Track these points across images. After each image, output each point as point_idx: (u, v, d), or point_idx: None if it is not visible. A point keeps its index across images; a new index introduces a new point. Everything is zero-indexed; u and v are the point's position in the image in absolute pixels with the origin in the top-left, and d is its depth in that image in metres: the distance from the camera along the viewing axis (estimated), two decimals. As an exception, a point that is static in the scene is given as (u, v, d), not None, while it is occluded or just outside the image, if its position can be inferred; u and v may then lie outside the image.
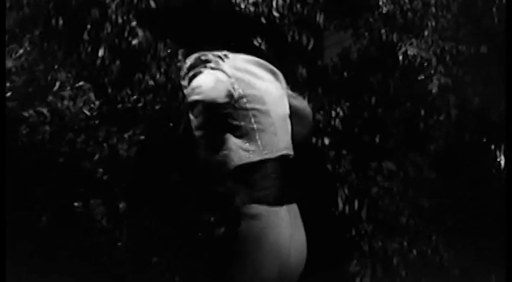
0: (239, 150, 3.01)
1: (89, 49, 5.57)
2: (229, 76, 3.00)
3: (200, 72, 3.04)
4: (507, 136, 4.62)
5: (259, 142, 3.02)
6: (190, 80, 3.02)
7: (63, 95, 4.57)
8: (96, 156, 4.58)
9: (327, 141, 6.06)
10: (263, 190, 3.03)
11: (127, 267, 4.65)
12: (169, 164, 4.45)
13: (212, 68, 3.03)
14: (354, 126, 6.19)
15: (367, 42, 6.26)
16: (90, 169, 4.50)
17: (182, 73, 3.05)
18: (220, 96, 3.00)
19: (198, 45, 3.18)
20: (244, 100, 3.00)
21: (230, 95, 2.97)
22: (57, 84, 4.59)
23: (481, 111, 6.11)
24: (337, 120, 6.03)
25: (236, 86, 3.01)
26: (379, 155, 6.13)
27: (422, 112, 6.14)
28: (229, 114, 2.99)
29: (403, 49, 6.01)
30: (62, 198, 4.76)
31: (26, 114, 4.33)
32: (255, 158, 2.98)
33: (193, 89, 2.98)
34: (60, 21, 5.64)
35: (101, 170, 4.54)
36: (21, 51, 5.16)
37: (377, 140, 6.13)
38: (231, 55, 3.11)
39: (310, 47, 6.00)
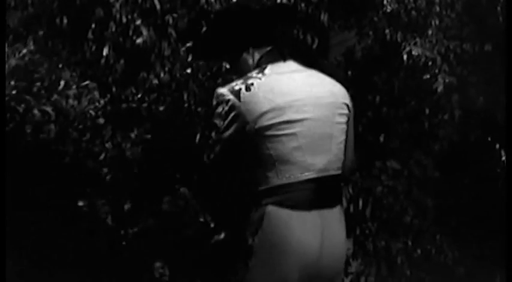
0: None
1: (94, 48, 5.57)
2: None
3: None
4: (507, 136, 4.61)
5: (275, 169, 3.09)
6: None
7: (68, 94, 4.56)
8: (102, 156, 4.58)
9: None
10: (285, 194, 3.05)
11: (131, 266, 4.66)
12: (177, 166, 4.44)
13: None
14: (358, 125, 6.18)
15: (371, 41, 6.26)
16: (95, 168, 4.49)
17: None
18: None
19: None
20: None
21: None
22: (62, 83, 4.58)
23: (486, 110, 6.11)
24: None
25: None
26: (383, 154, 6.13)
27: (427, 111, 6.13)
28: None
29: (408, 48, 6.00)
30: (66, 197, 4.76)
31: (30, 113, 4.33)
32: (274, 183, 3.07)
33: None
34: (65, 20, 5.64)
35: (105, 169, 4.54)
36: (24, 50, 5.16)
37: (381, 139, 6.13)
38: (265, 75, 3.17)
39: (314, 46, 6.00)
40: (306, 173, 3.05)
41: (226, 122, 3.10)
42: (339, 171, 3.20)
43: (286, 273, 2.99)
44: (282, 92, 3.11)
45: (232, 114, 3.10)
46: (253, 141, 3.04)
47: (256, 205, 3.02)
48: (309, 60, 3.32)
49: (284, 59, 3.23)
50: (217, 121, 3.08)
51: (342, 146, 3.21)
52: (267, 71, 3.18)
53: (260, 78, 3.13)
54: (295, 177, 3.02)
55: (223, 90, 3.17)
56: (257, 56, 3.24)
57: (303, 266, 3.01)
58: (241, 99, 3.08)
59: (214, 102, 3.16)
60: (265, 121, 3.05)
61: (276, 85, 3.12)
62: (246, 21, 3.29)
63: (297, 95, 3.13)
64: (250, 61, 3.25)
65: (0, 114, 4.08)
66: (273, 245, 2.99)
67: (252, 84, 3.11)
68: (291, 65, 3.24)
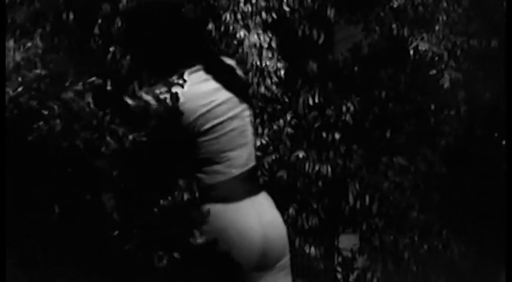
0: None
1: (100, 44, 5.58)
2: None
3: None
4: (507, 136, 4.60)
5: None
6: None
7: (75, 89, 4.56)
8: (107, 150, 4.57)
9: (337, 136, 6.06)
10: (216, 190, 3.13)
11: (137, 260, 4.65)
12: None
13: None
14: (365, 121, 6.19)
15: (378, 36, 6.25)
16: (102, 164, 4.49)
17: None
18: None
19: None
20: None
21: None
22: (69, 79, 4.58)
23: (492, 106, 6.10)
24: (348, 115, 6.03)
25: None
26: (390, 150, 6.13)
27: (433, 107, 6.13)
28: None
29: (414, 44, 5.99)
30: (72, 192, 4.76)
31: (37, 109, 4.33)
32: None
33: None
34: (71, 16, 5.65)
35: (111, 164, 4.54)
36: (29, 44, 5.16)
37: (388, 135, 6.13)
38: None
39: (320, 41, 6.01)
40: (233, 170, 3.12)
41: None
42: (254, 162, 3.29)
43: (239, 262, 3.07)
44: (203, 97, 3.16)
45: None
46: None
47: (197, 205, 3.08)
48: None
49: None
50: None
51: (252, 137, 3.29)
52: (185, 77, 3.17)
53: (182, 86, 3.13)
54: (223, 176, 3.11)
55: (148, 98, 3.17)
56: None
57: (251, 251, 3.09)
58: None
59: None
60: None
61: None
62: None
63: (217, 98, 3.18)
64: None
65: (0, 114, 4.06)
66: (218, 241, 3.06)
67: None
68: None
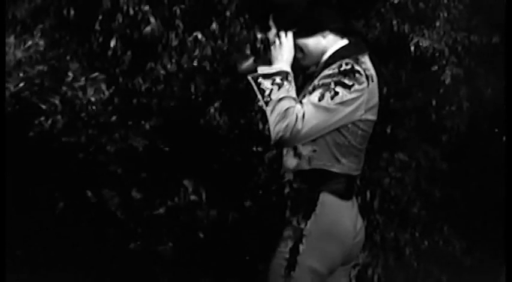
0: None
1: (101, 39, 5.56)
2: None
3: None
4: (507, 132, 4.60)
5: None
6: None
7: (76, 85, 4.56)
8: (109, 147, 4.58)
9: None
10: (338, 184, 3.11)
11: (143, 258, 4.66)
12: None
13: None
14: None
15: (378, 32, 6.24)
16: (104, 160, 4.50)
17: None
18: None
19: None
20: None
21: None
22: (70, 75, 4.58)
23: (493, 102, 6.10)
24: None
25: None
26: (391, 145, 6.13)
27: (435, 103, 6.13)
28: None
29: (415, 40, 5.98)
30: (75, 189, 4.77)
31: (39, 104, 4.33)
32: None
33: None
34: (72, 12, 5.64)
35: (114, 160, 4.54)
36: (30, 42, 5.16)
37: (389, 130, 6.13)
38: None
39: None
40: (356, 168, 3.13)
41: (348, 98, 3.06)
42: None
43: (335, 256, 3.08)
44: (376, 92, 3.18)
45: (358, 95, 3.08)
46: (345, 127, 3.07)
47: (309, 191, 3.07)
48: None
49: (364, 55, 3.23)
50: (340, 90, 3.01)
51: None
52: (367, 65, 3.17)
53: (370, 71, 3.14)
54: (349, 170, 3.09)
55: (359, 68, 3.12)
56: (330, 42, 3.19)
57: (346, 248, 3.12)
58: (370, 86, 3.09)
59: (343, 70, 3.08)
60: (369, 115, 3.09)
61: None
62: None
63: (377, 97, 3.21)
64: (323, 44, 3.20)
65: (0, 114, 4.07)
66: (324, 230, 3.06)
67: (372, 75, 3.12)
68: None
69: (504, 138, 6.31)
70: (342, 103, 3.06)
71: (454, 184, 6.24)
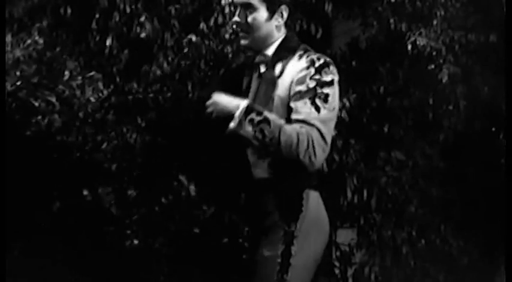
0: None
1: (97, 38, 5.57)
2: None
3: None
4: (506, 130, 4.60)
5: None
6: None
7: (73, 84, 4.56)
8: (105, 145, 4.57)
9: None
10: (314, 177, 3.07)
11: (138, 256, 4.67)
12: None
13: None
14: (363, 115, 6.18)
15: (375, 31, 6.23)
16: (100, 158, 4.50)
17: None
18: None
19: None
20: None
21: None
22: (67, 73, 4.58)
23: (490, 101, 6.10)
24: (346, 109, 6.01)
25: None
26: (388, 144, 6.12)
27: (432, 101, 6.12)
28: None
29: (412, 38, 5.98)
30: (71, 187, 4.77)
31: (36, 103, 4.32)
32: None
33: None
34: (69, 11, 5.64)
35: (110, 158, 4.54)
36: (29, 41, 5.16)
37: (386, 129, 6.12)
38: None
39: (318, 36, 5.99)
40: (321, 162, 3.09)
41: (335, 93, 3.02)
42: None
43: (320, 251, 3.05)
44: None
45: (337, 86, 3.05)
46: None
47: (293, 190, 3.03)
48: None
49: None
50: (327, 90, 2.97)
51: None
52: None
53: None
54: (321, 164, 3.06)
55: (327, 59, 3.07)
56: (281, 22, 3.12)
57: (327, 236, 3.10)
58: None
59: (318, 66, 3.02)
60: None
61: None
62: None
63: None
64: (278, 21, 3.12)
65: (0, 114, 4.06)
66: (311, 226, 3.03)
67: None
68: None
69: (501, 136, 6.32)
70: (333, 100, 3.04)
71: (451, 183, 6.24)
